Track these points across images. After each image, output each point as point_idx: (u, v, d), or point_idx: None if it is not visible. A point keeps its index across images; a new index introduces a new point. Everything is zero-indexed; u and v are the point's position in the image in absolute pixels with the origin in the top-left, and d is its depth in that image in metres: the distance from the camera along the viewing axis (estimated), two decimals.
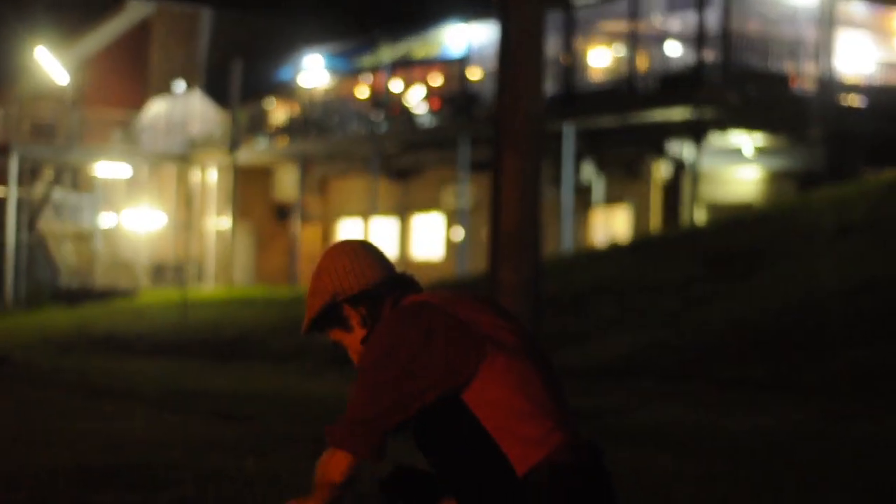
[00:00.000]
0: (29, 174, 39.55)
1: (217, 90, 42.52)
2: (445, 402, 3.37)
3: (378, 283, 3.53)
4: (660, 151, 30.01)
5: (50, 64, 41.25)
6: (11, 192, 38.09)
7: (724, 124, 28.07)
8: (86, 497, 6.47)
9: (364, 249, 3.59)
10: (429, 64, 36.87)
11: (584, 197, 31.01)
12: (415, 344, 3.36)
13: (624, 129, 29.45)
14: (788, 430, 10.41)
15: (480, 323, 3.43)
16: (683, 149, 29.09)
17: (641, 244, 25.87)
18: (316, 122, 38.69)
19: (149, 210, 42.11)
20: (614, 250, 25.97)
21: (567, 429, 3.39)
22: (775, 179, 30.66)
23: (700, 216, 28.62)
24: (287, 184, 41.33)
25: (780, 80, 28.87)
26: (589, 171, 31.01)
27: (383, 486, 3.63)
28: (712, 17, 28.45)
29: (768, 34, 29.30)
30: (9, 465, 7.34)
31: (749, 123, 28.31)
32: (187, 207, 42.22)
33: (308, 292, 3.62)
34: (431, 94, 35.28)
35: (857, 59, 30.17)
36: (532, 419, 3.35)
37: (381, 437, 3.39)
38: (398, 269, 3.66)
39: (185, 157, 41.60)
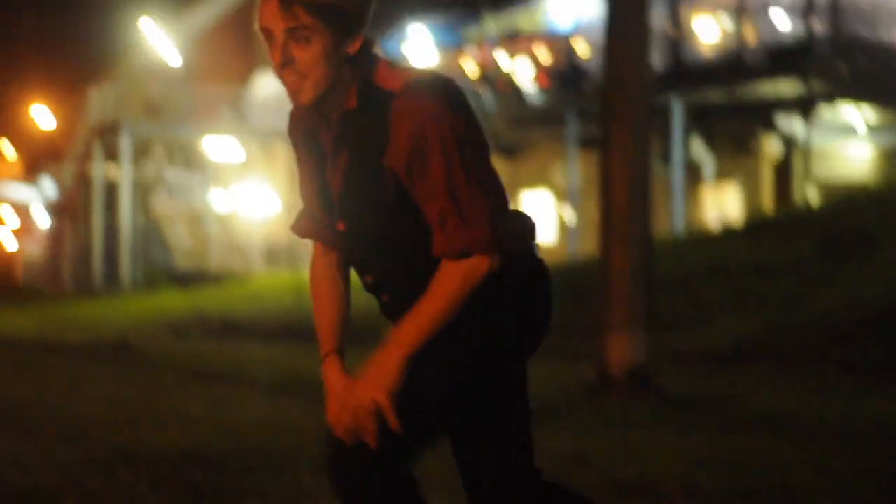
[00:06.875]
0: (138, 153, 39.87)
1: None
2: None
3: None
4: (769, 126, 29.60)
5: (158, 39, 41.59)
6: (125, 172, 38.48)
7: (833, 97, 27.59)
8: (204, 480, 6.57)
9: None
10: (534, 37, 36.52)
11: (693, 174, 30.71)
12: None
13: (732, 103, 29.08)
14: None
15: None
16: (793, 124, 28.66)
17: (754, 226, 25.55)
18: None
19: (262, 190, 42.32)
20: (727, 232, 25.70)
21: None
22: (889, 157, 30.09)
23: (813, 195, 28.19)
24: None
25: (891, 51, 28.29)
26: (698, 147, 30.70)
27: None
28: None
29: (877, 3, 28.66)
30: (129, 450, 7.47)
31: (859, 96, 27.78)
32: None
33: None
34: (539, 70, 35.05)
35: None
36: None
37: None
38: None
39: None
